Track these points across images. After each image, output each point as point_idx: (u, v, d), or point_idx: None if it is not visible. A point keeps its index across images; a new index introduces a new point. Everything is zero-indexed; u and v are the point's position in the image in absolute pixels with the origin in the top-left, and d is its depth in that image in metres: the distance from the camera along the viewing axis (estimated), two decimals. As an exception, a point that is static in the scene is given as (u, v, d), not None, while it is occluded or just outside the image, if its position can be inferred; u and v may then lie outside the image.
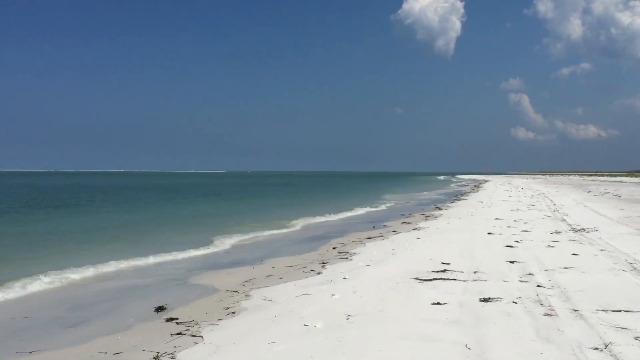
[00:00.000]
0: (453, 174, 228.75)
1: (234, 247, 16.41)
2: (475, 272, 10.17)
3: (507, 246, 13.62)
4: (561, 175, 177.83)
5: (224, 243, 16.94)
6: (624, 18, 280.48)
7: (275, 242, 17.27)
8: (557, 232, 16.82)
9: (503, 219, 21.35)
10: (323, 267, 11.62)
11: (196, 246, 15.73)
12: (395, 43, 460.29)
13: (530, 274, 9.99)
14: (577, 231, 17.06)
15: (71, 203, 36.52)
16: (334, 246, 15.46)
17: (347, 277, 10.09)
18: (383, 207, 33.35)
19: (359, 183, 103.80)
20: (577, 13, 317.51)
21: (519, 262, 11.19)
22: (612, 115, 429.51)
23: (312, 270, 11.30)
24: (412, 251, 12.94)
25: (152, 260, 13.49)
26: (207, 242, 16.81)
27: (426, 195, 50.69)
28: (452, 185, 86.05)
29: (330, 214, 27.14)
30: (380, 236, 17.25)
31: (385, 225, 21.37)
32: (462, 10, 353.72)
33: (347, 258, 12.69)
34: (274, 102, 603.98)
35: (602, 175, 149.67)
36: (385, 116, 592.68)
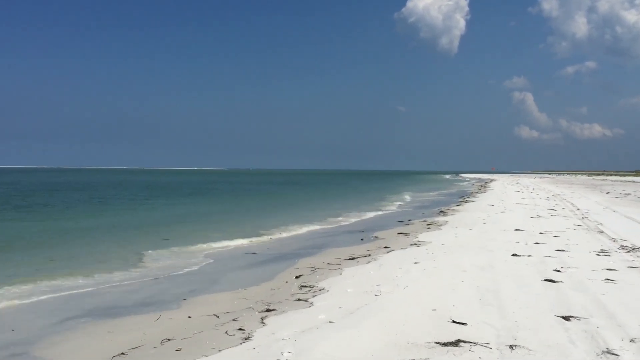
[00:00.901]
0: (457, 173, 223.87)
1: (148, 274, 11.86)
2: (511, 347, 5.82)
3: (546, 280, 9.26)
4: (567, 174, 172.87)
5: (147, 264, 12.61)
6: (630, 17, 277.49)
7: (223, 264, 12.91)
8: (604, 252, 12.45)
9: (525, 229, 16.98)
10: (262, 320, 7.28)
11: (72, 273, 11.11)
12: (398, 41, 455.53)
13: (608, 351, 5.66)
14: (630, 250, 12.70)
15: (23, 205, 32.25)
16: (299, 273, 11.13)
17: (289, 351, 5.78)
18: (379, 211, 28.94)
19: (359, 182, 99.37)
20: (582, 11, 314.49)
21: (578, 319, 6.84)
22: (617, 115, 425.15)
23: (240, 329, 6.96)
24: (406, 290, 8.58)
25: None
26: (118, 264, 12.50)
27: (429, 195, 46.30)
28: (457, 184, 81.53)
29: (314, 221, 22.86)
30: (366, 255, 12.91)
31: (376, 237, 17.01)
32: (466, 9, 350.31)
33: (306, 300, 8.36)
34: (277, 99, 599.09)
35: (611, 175, 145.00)
36: (388, 114, 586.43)
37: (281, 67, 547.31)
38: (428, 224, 20.31)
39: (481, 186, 65.97)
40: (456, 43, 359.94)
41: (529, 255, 11.78)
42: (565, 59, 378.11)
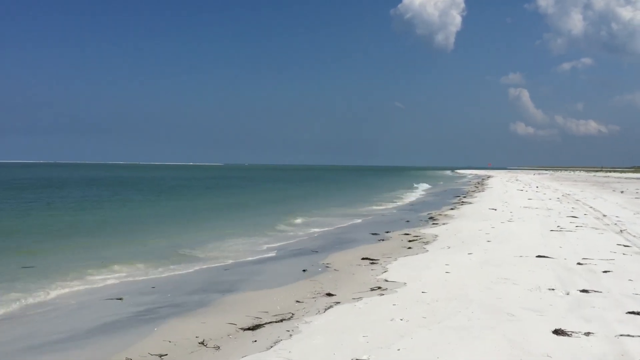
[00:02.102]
0: (453, 169, 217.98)
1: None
2: None
3: None
4: (565, 170, 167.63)
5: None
6: (625, 13, 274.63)
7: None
8: None
9: (552, 255, 11.27)
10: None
11: None
12: (395, 38, 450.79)
13: None
14: None
15: None
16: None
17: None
18: (357, 219, 22.58)
19: (353, 178, 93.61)
20: (578, 8, 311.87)
21: None
22: (612, 111, 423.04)
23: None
24: None
25: None
26: None
27: (419, 195, 40.60)
28: (453, 181, 75.88)
29: (260, 236, 17.04)
30: (283, 319, 7.17)
31: (326, 266, 11.21)
32: (462, 5, 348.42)
33: None
34: (274, 95, 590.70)
35: (610, 171, 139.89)
36: (386, 110, 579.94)
37: (278, 63, 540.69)
38: (410, 240, 14.60)
39: (478, 183, 60.35)
40: (452, 39, 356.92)
41: (587, 334, 6.03)
42: (561, 56, 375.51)
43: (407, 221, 20.24)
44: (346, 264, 11.36)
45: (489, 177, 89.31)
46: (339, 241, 15.36)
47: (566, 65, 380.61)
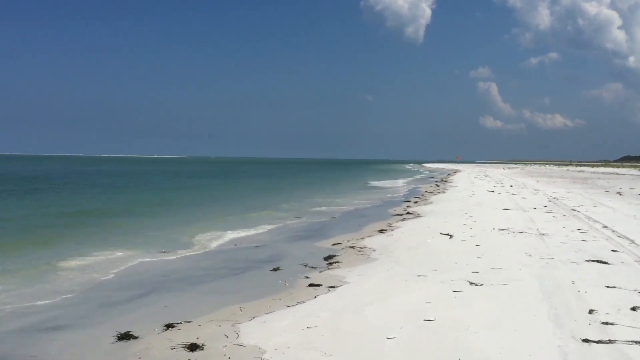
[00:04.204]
0: (421, 162, 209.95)
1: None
2: None
3: None
4: (535, 164, 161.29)
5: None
6: (591, 9, 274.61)
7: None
8: None
9: None
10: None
11: None
12: (365, 30, 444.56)
13: None
14: None
15: None
16: None
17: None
18: (253, 231, 12.93)
19: (303, 173, 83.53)
20: (545, 3, 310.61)
21: None
22: (578, 106, 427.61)
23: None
24: None
25: None
26: None
27: (361, 199, 30.74)
28: (413, 176, 66.63)
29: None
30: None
31: None
32: None
33: None
34: (242, 87, 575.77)
35: (581, 165, 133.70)
36: (356, 103, 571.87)
37: (248, 55, 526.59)
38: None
39: (442, 180, 51.14)
40: (422, 32, 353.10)
41: None
42: (529, 50, 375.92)
43: (310, 258, 10.26)
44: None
45: (455, 172, 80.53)
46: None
47: (534, 60, 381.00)
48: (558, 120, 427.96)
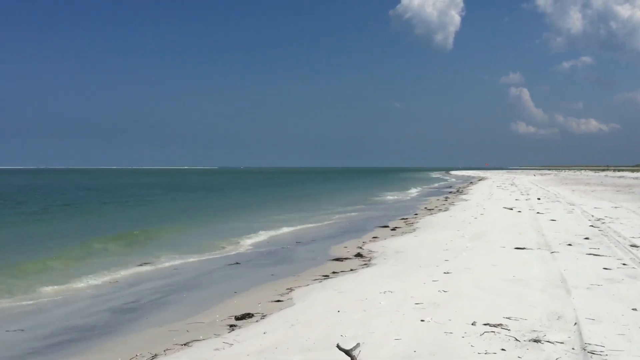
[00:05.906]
0: (448, 170, 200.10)
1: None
2: None
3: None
4: (569, 170, 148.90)
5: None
6: (624, 11, 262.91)
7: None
8: None
9: None
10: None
11: None
12: (394, 38, 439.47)
13: None
14: None
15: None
16: None
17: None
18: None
19: (310, 185, 76.56)
20: (576, 7, 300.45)
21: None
22: (612, 109, 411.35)
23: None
24: None
25: None
26: None
27: (323, 222, 23.39)
28: (429, 185, 58.69)
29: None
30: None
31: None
32: (461, 5, 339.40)
33: None
34: (270, 97, 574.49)
35: (619, 170, 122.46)
36: (384, 111, 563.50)
37: (275, 65, 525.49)
38: None
39: (457, 191, 43.33)
40: (451, 39, 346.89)
41: None
42: (561, 54, 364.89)
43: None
44: None
45: (480, 179, 72.15)
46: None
47: (566, 64, 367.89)
48: (592, 125, 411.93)
